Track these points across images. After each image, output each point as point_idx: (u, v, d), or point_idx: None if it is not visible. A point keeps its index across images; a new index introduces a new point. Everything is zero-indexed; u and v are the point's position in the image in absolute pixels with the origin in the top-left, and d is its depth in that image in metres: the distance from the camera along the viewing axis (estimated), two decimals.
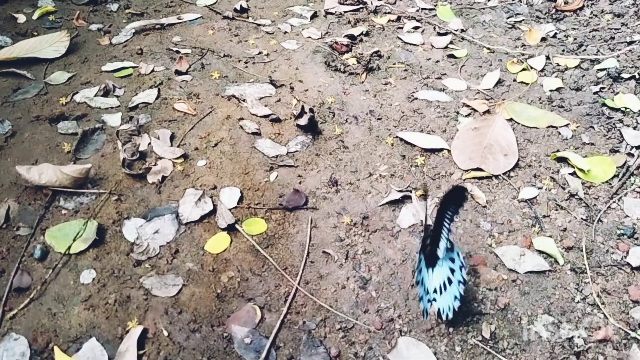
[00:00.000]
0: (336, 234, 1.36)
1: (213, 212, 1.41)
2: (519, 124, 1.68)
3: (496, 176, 1.51)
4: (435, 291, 1.14)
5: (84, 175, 1.47)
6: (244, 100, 1.78)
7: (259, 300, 1.22)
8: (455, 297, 1.11)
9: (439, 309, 1.13)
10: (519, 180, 1.49)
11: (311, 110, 1.65)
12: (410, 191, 1.46)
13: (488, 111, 1.74)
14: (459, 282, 1.11)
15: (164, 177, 1.51)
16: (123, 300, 1.21)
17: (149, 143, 1.60)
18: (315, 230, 1.38)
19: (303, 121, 1.65)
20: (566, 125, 1.66)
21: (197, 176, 1.52)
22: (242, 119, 1.71)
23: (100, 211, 1.41)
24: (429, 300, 1.13)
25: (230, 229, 1.37)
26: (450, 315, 1.12)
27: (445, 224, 1.12)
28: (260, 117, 1.72)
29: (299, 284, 1.25)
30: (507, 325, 1.16)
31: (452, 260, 1.14)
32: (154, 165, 1.52)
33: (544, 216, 1.39)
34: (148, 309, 1.20)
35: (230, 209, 1.42)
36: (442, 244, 1.14)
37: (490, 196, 1.44)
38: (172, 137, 1.64)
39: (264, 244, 1.34)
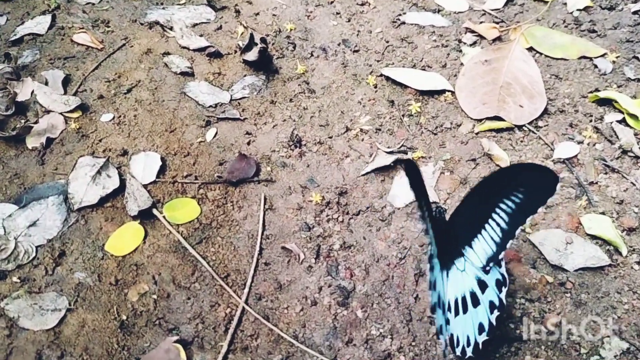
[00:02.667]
0: (301, 220, 0.94)
1: (120, 190, 0.96)
2: (541, 54, 1.26)
3: (520, 127, 1.09)
4: (449, 308, 0.74)
5: None
6: (170, 29, 1.30)
7: (185, 331, 0.80)
8: (482, 327, 0.72)
9: (451, 336, 0.73)
10: (550, 133, 1.08)
11: (263, 40, 1.19)
12: (405, 152, 1.03)
13: (499, 38, 1.31)
14: (491, 304, 0.72)
15: (50, 140, 1.05)
16: None
17: (33, 91, 1.12)
18: (271, 214, 0.95)
19: (252, 55, 1.19)
20: (603, 56, 1.24)
21: (100, 137, 1.06)
22: (167, 53, 1.24)
23: None
24: (446, 322, 0.73)
25: (145, 216, 0.93)
26: (469, 353, 0.72)
27: (499, 216, 0.71)
28: (194, 50, 1.25)
29: (246, 301, 0.83)
30: (563, 358, 0.77)
31: (485, 270, 0.73)
32: (36, 122, 1.06)
33: (591, 183, 0.98)
34: (11, 351, 0.77)
35: (145, 185, 0.97)
36: (482, 246, 0.73)
37: (514, 155, 1.03)
38: (66, 82, 1.17)
39: (194, 239, 0.91)
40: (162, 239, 0.91)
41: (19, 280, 0.84)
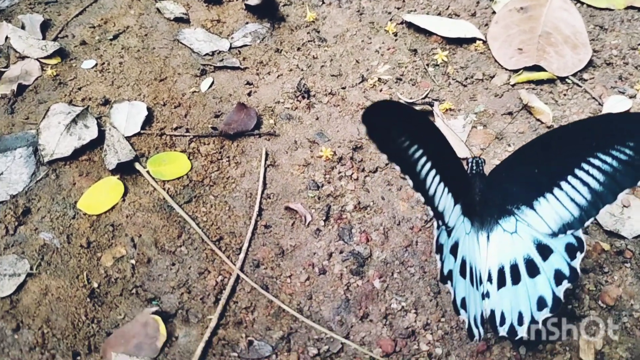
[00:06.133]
0: (308, 177, 0.80)
1: (98, 142, 0.83)
2: (582, 4, 1.11)
3: (562, 79, 0.94)
4: (490, 278, 0.60)
5: None
6: None
7: (167, 302, 0.67)
8: (542, 302, 0.57)
9: (492, 313, 0.59)
10: (597, 86, 0.93)
11: None
12: (431, 103, 0.89)
13: None
14: (558, 274, 0.57)
15: (22, 87, 0.92)
16: None
17: (7, 36, 0.99)
18: (273, 171, 0.81)
19: (255, 0, 1.05)
20: None
21: (79, 85, 0.93)
22: None
23: None
24: (483, 295, 0.59)
25: (126, 170, 0.80)
26: (521, 333, 0.58)
27: (589, 175, 0.55)
28: None
29: (242, 268, 0.70)
30: (625, 339, 0.63)
31: (553, 234, 0.59)
32: (6, 67, 0.93)
33: None
34: None
35: (128, 138, 0.84)
36: (554, 209, 0.58)
37: (558, 110, 0.89)
38: (45, 26, 1.04)
39: (183, 197, 0.77)
40: (144, 197, 0.77)
41: None
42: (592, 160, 0.55)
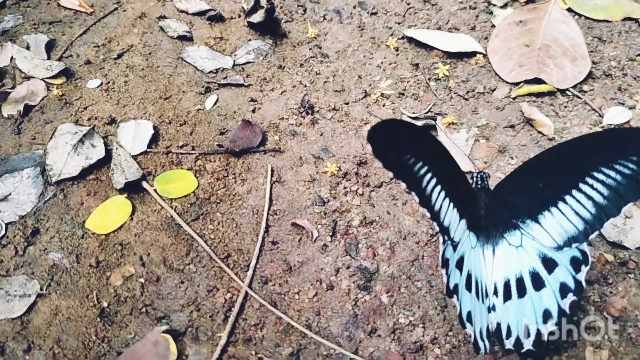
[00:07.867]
0: (314, 193, 0.80)
1: (105, 161, 0.83)
2: (580, 16, 1.12)
3: (562, 92, 0.96)
4: (495, 291, 0.60)
5: None
6: None
7: (177, 320, 0.67)
8: (548, 315, 0.58)
9: (498, 326, 0.59)
10: (597, 97, 0.94)
11: (269, 1, 1.06)
12: (434, 117, 0.90)
13: (532, 0, 1.17)
14: (563, 287, 0.58)
15: (28, 107, 0.92)
16: None
17: (12, 57, 1.00)
18: (279, 187, 0.82)
19: (258, 17, 1.06)
20: None
21: (85, 104, 0.94)
22: (163, 17, 1.12)
23: None
24: (489, 309, 0.60)
25: (134, 189, 0.81)
26: (528, 346, 0.59)
27: (593, 189, 0.57)
28: (192, 14, 1.13)
29: (250, 285, 0.70)
30: (631, 350, 0.63)
31: (558, 247, 0.60)
32: (13, 87, 0.94)
33: None
34: None
35: (135, 156, 0.85)
36: (559, 222, 0.60)
37: (559, 122, 0.90)
38: (50, 46, 1.05)
39: (190, 215, 0.78)
40: (152, 215, 0.78)
41: None
42: (596, 174, 0.56)
